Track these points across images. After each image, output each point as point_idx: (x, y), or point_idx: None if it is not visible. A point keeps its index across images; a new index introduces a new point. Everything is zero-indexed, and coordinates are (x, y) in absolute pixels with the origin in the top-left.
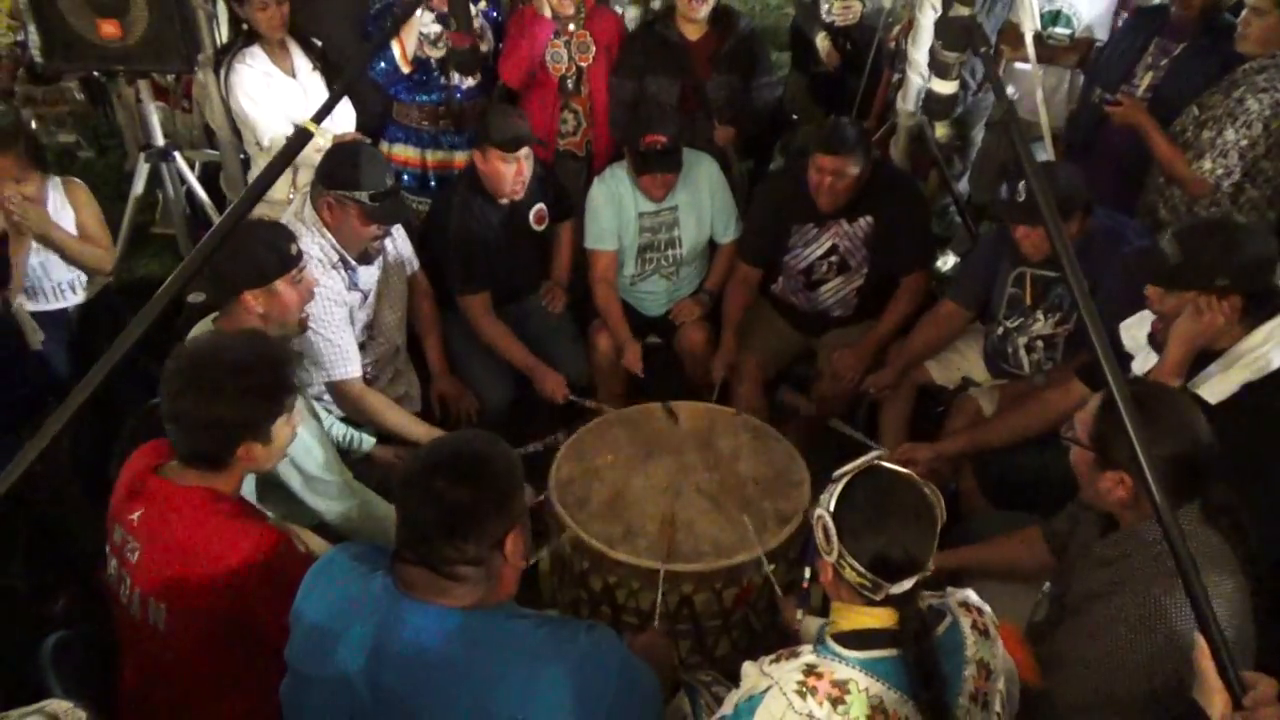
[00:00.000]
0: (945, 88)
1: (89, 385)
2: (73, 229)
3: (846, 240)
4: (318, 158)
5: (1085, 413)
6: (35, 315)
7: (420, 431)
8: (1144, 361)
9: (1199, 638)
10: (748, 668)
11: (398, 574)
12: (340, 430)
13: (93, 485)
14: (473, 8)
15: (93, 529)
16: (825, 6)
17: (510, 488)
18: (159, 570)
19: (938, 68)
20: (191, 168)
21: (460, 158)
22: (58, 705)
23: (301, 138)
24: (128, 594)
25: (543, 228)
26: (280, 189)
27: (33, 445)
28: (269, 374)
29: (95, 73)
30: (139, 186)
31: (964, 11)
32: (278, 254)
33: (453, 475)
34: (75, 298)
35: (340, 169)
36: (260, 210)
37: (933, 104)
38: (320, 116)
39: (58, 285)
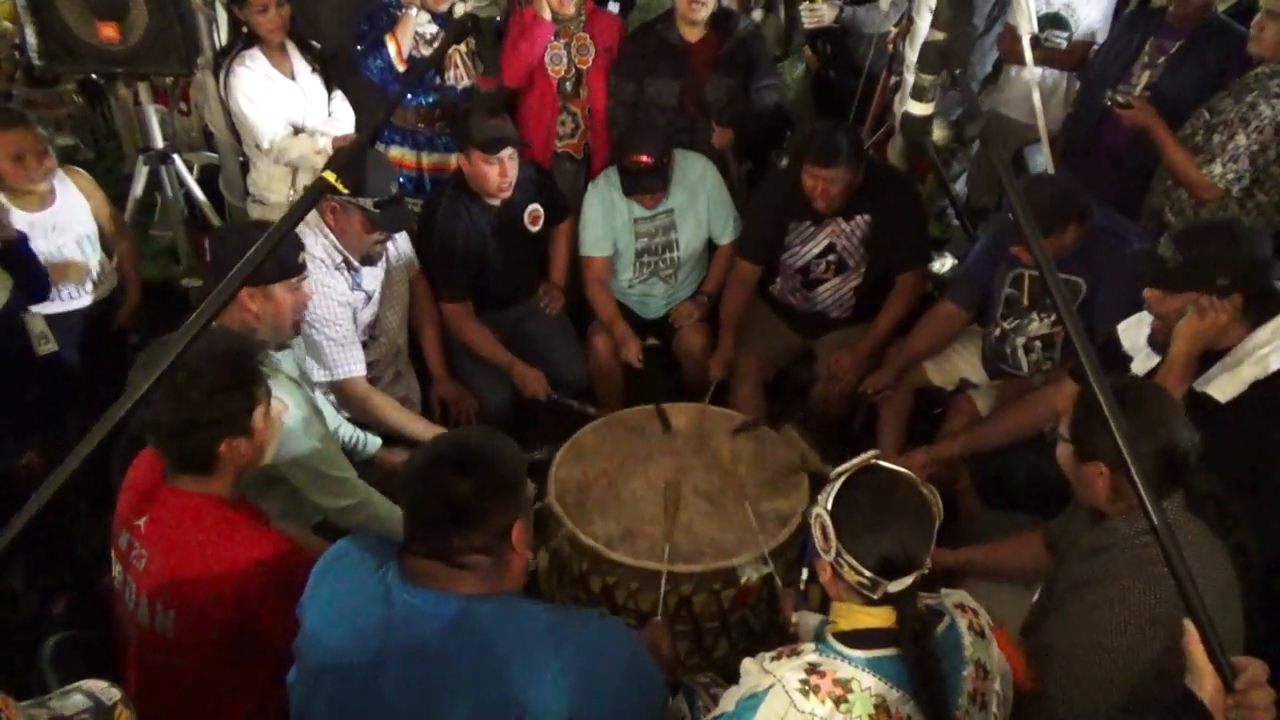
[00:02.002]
0: (919, 109)
1: (112, 418)
2: (90, 220)
3: (844, 239)
4: (318, 160)
5: (1066, 408)
6: (51, 318)
7: (425, 430)
8: (1144, 363)
9: (1188, 624)
10: (748, 665)
11: (406, 565)
12: (347, 432)
13: (93, 488)
14: (461, 8)
15: (95, 532)
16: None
17: (514, 479)
18: (168, 577)
19: (914, 90)
20: (190, 170)
21: (455, 160)
22: (94, 684)
23: (320, 187)
24: (134, 600)
25: (538, 229)
26: (280, 192)
27: (57, 474)
28: (229, 369)
29: (94, 75)
30: (138, 189)
31: (938, 36)
32: (280, 259)
33: (458, 467)
34: (87, 298)
35: (346, 174)
36: (258, 212)
37: (908, 125)
38: (338, 169)
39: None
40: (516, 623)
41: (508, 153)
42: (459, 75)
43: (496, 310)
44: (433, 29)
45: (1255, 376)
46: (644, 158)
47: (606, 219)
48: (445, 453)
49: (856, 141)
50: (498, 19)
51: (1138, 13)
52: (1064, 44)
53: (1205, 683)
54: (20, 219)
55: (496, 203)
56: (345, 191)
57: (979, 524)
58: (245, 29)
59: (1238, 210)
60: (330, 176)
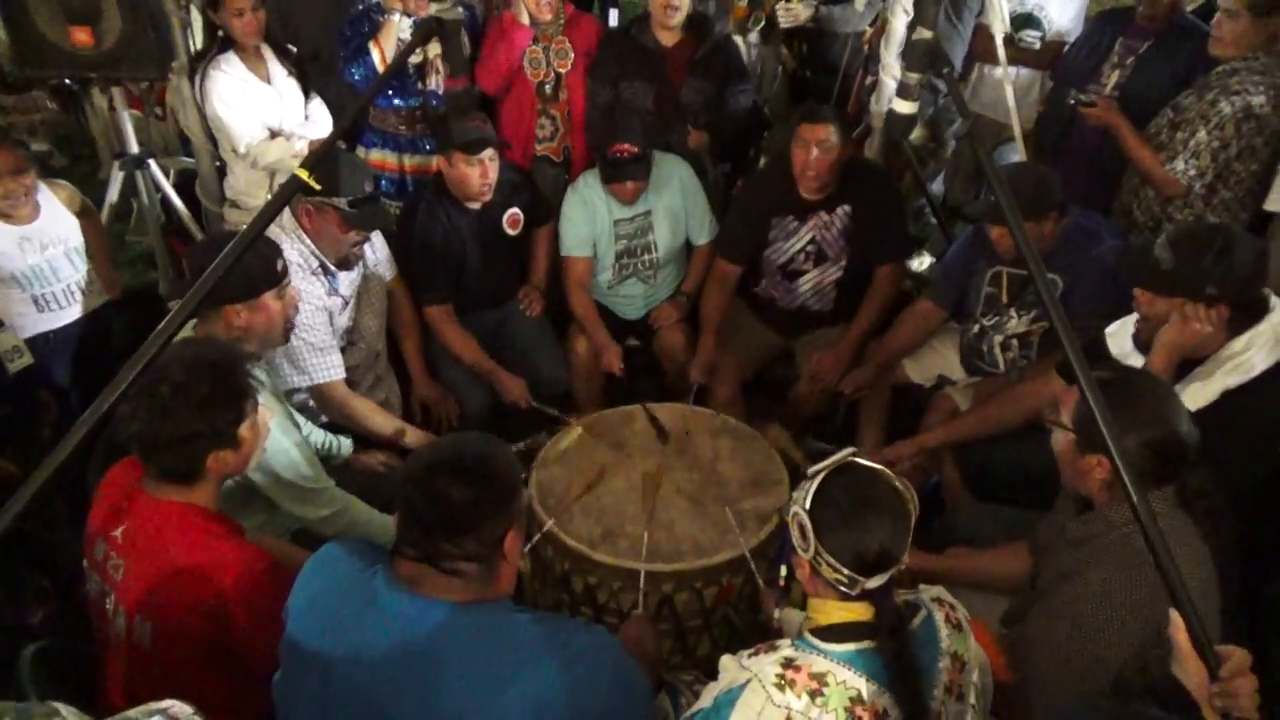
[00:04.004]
0: (905, 107)
1: (82, 427)
2: (77, 233)
3: (825, 230)
4: (295, 164)
5: (1069, 397)
6: (43, 334)
7: (405, 432)
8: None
9: (1174, 614)
10: (726, 661)
11: (396, 569)
12: (320, 437)
13: (72, 497)
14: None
15: (73, 541)
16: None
17: (511, 487)
18: (145, 589)
19: (900, 88)
20: (166, 175)
21: (437, 162)
22: (181, 709)
23: (294, 184)
24: (112, 610)
25: (517, 232)
26: (258, 196)
27: (33, 479)
28: (217, 384)
29: (68, 80)
30: (113, 194)
31: (926, 35)
32: (263, 269)
33: (456, 474)
34: (77, 309)
35: (320, 175)
36: (235, 217)
37: (893, 123)
38: (311, 166)
39: (67, 288)
40: (505, 630)
41: (488, 154)
42: (440, 81)
43: (476, 313)
44: None
45: (1227, 386)
46: (627, 146)
47: (587, 220)
48: (444, 458)
49: (843, 114)
50: (462, 11)
51: (1107, 13)
52: (1037, 44)
53: (1190, 670)
54: (8, 234)
55: (476, 206)
56: (319, 188)
57: (967, 516)
58: (221, 33)
59: (1203, 207)
60: (303, 174)
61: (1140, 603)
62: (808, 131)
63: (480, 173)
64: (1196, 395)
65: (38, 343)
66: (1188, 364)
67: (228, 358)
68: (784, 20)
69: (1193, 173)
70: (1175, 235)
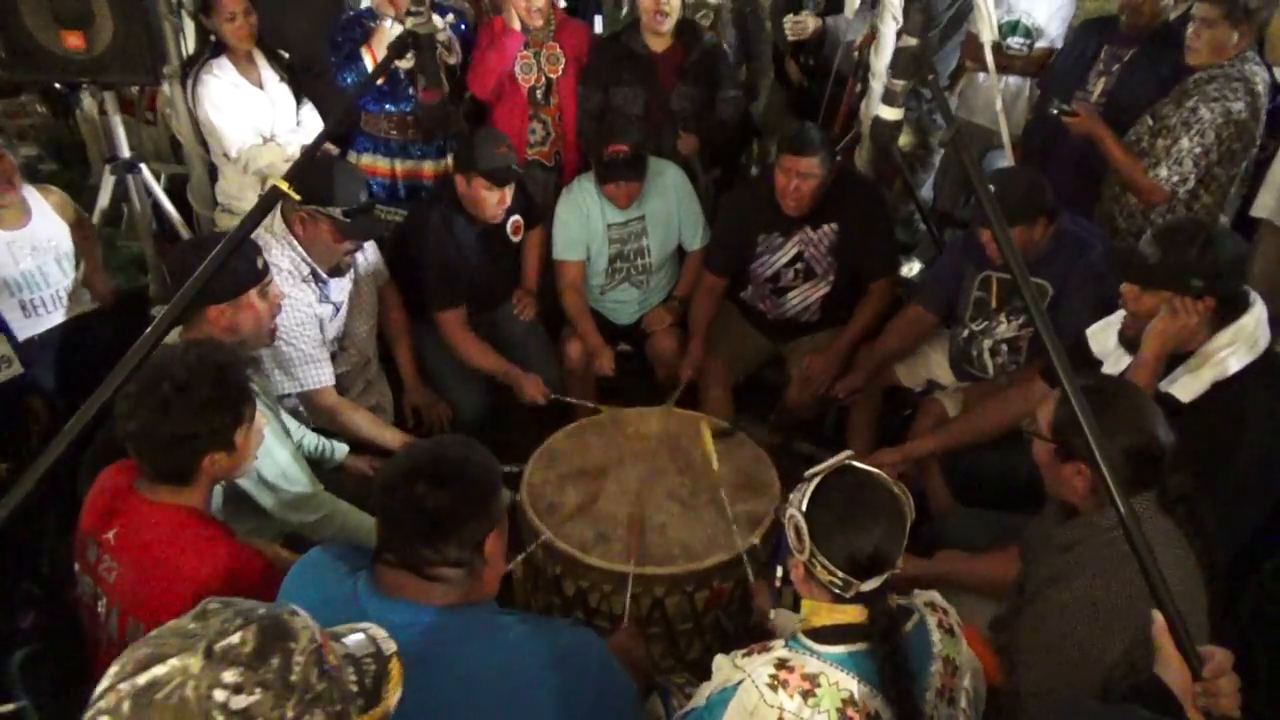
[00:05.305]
0: (891, 114)
1: (70, 433)
2: (68, 239)
3: (811, 247)
4: (286, 169)
5: (1046, 407)
6: (30, 340)
7: (395, 439)
8: (1115, 365)
9: (1156, 615)
10: (720, 661)
11: (377, 575)
12: (312, 441)
13: (61, 501)
14: (440, 20)
15: (63, 545)
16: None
17: (489, 490)
18: (138, 590)
19: (886, 95)
20: (157, 180)
21: (429, 167)
22: (378, 631)
23: (274, 195)
24: (104, 612)
25: (519, 239)
26: (249, 200)
27: (24, 480)
28: (219, 386)
29: (58, 85)
30: (104, 200)
31: (911, 42)
32: (245, 267)
33: (433, 479)
34: (60, 314)
35: (314, 184)
36: (227, 222)
37: (879, 130)
38: (292, 177)
39: (55, 293)
40: (490, 633)
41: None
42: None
43: (471, 316)
44: None
45: (1215, 378)
46: (623, 147)
47: (580, 224)
48: (421, 463)
49: (830, 141)
50: (441, 20)
51: (1092, 21)
52: (1026, 51)
53: (1174, 671)
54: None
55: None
56: (298, 199)
57: (951, 522)
58: (213, 38)
59: (1185, 213)
60: (284, 185)
61: (1126, 605)
62: (790, 163)
63: (499, 199)
64: (1187, 387)
65: (24, 348)
66: (1173, 359)
67: (232, 361)
68: (792, 33)
69: (1175, 179)
70: (1160, 231)
